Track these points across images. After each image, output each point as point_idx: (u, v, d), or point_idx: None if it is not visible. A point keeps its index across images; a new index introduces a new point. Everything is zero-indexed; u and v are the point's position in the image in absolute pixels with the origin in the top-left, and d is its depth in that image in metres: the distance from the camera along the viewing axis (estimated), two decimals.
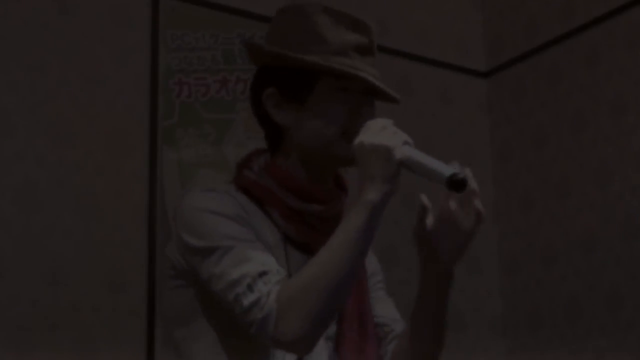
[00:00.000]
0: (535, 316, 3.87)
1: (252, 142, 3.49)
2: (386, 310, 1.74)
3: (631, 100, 3.62)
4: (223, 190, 1.61)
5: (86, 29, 3.29)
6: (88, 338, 3.05)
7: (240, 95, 3.52)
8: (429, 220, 1.61)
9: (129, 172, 3.26)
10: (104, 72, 3.29)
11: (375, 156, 1.49)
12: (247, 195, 1.63)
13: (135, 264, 3.18)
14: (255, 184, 1.63)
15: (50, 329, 3.00)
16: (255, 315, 1.46)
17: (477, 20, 4.34)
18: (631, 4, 3.67)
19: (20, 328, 2.95)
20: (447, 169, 1.46)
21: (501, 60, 4.21)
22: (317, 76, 1.62)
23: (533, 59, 4.06)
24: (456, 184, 1.44)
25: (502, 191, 4.12)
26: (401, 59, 4.03)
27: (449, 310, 1.66)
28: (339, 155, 1.62)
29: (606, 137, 3.69)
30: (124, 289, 3.15)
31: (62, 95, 3.20)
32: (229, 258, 1.50)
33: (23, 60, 3.15)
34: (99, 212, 3.16)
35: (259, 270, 1.49)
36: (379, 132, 1.51)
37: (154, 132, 3.34)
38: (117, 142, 3.27)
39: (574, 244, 3.75)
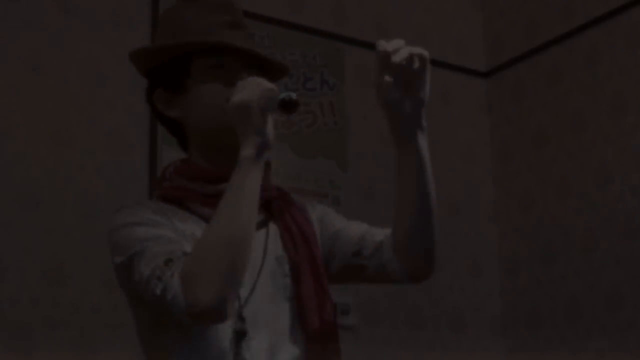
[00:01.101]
0: (535, 316, 3.87)
1: None
2: (355, 230, 1.76)
3: (631, 100, 3.62)
4: (133, 203, 1.67)
5: (86, 29, 3.29)
6: (88, 338, 3.05)
7: None
8: (387, 74, 1.62)
9: (129, 172, 3.26)
10: (104, 72, 3.29)
11: (240, 113, 1.54)
12: (167, 201, 1.67)
13: None
14: (170, 188, 1.68)
15: (50, 329, 3.00)
16: (166, 299, 1.48)
17: (477, 20, 4.34)
18: (631, 4, 3.67)
19: (20, 328, 2.95)
20: (280, 95, 1.53)
21: (501, 60, 4.21)
22: (189, 60, 1.68)
23: (533, 59, 4.06)
24: (287, 104, 1.51)
25: (502, 191, 4.12)
26: None
27: (429, 171, 1.72)
28: (228, 126, 1.62)
29: (606, 137, 3.69)
30: None
31: (62, 95, 3.20)
32: (142, 260, 1.53)
33: (23, 60, 3.15)
34: (99, 212, 3.16)
35: (164, 259, 1.51)
36: (243, 88, 1.55)
37: (154, 132, 3.34)
38: (117, 142, 3.27)
39: (574, 244, 3.75)
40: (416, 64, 1.66)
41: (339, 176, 3.73)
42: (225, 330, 1.57)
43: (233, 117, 1.55)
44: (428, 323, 3.84)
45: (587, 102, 3.79)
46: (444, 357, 3.83)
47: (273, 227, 1.69)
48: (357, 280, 1.80)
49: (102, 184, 3.20)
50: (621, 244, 3.56)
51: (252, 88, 1.54)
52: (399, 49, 1.61)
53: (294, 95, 1.51)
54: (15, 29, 3.15)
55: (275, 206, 1.71)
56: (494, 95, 4.24)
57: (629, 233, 3.55)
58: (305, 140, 3.69)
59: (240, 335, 1.57)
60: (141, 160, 3.29)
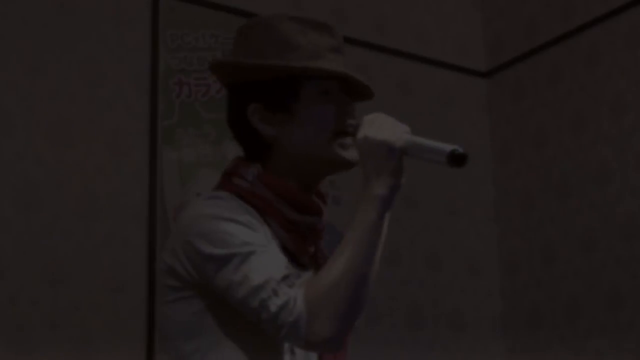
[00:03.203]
0: (535, 316, 3.87)
1: None
2: None
3: (631, 100, 3.62)
4: (229, 197, 1.60)
5: (86, 29, 3.29)
6: (88, 338, 3.05)
7: None
8: None
9: (129, 172, 3.26)
10: (104, 72, 3.29)
11: (379, 150, 1.52)
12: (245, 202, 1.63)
13: (135, 264, 3.18)
14: (252, 194, 1.63)
15: (50, 329, 3.00)
16: (285, 319, 1.47)
17: (477, 20, 4.34)
18: (631, 4, 3.67)
19: (20, 328, 2.95)
20: (447, 147, 1.49)
21: (501, 60, 4.22)
22: (300, 83, 1.64)
23: (533, 59, 4.07)
24: (457, 159, 1.48)
25: (502, 191, 4.12)
26: (401, 59, 4.03)
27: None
28: (334, 159, 1.63)
29: (606, 137, 3.69)
30: (124, 289, 3.15)
31: (62, 95, 3.20)
32: (249, 264, 1.50)
33: (23, 60, 3.15)
34: (99, 212, 3.17)
35: (281, 273, 1.49)
36: (381, 126, 1.54)
37: (154, 132, 3.34)
38: (117, 142, 3.27)
39: (574, 244, 3.75)
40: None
41: (339, 176, 3.73)
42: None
43: (368, 152, 1.52)
44: (428, 323, 3.84)
45: (587, 102, 3.80)
46: (444, 357, 3.83)
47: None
48: None
49: (102, 184, 3.20)
50: (621, 244, 3.56)
51: (391, 128, 1.53)
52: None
53: (461, 149, 1.49)
54: (15, 29, 3.15)
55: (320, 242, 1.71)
56: (494, 95, 4.24)
57: (629, 233, 3.55)
58: None
59: None
60: (141, 160, 3.29)
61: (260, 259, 1.50)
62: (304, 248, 1.63)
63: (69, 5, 3.28)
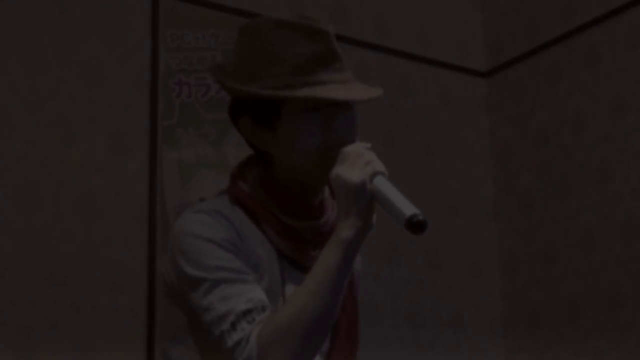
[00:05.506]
0: (535, 316, 3.87)
1: None
2: None
3: (631, 100, 3.62)
4: (215, 211, 1.58)
5: (86, 29, 3.29)
6: (88, 338, 3.05)
7: None
8: None
9: (129, 172, 3.26)
10: (104, 72, 3.29)
11: (347, 192, 1.48)
12: (242, 208, 1.62)
13: (135, 264, 3.19)
14: (249, 198, 1.62)
15: (50, 329, 3.00)
16: (237, 356, 1.47)
17: (477, 20, 4.34)
18: (631, 4, 3.67)
19: (20, 328, 2.95)
20: (409, 209, 1.43)
21: (501, 60, 4.22)
22: (282, 101, 1.58)
23: (533, 59, 4.07)
24: (415, 225, 1.41)
25: (502, 191, 4.12)
26: (401, 59, 4.03)
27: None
28: (318, 181, 1.59)
29: (606, 137, 3.69)
30: (124, 289, 3.15)
31: (62, 95, 3.20)
32: (216, 292, 1.50)
33: (23, 60, 3.15)
34: (99, 212, 3.17)
35: (243, 308, 1.49)
36: (354, 163, 1.49)
37: (154, 132, 3.34)
38: (117, 142, 3.27)
39: (574, 244, 3.75)
40: None
41: None
42: None
43: (338, 191, 1.49)
44: (428, 323, 3.84)
45: (587, 102, 3.80)
46: (444, 357, 3.83)
47: None
48: None
49: (102, 184, 3.20)
50: (621, 244, 3.57)
51: (363, 167, 1.48)
52: None
53: (420, 216, 1.41)
54: (15, 28, 3.16)
55: None
56: (494, 95, 4.24)
57: (629, 233, 3.55)
58: None
59: None
60: (141, 160, 3.30)
61: (228, 288, 1.50)
62: (305, 253, 1.61)
63: (69, 5, 3.28)
